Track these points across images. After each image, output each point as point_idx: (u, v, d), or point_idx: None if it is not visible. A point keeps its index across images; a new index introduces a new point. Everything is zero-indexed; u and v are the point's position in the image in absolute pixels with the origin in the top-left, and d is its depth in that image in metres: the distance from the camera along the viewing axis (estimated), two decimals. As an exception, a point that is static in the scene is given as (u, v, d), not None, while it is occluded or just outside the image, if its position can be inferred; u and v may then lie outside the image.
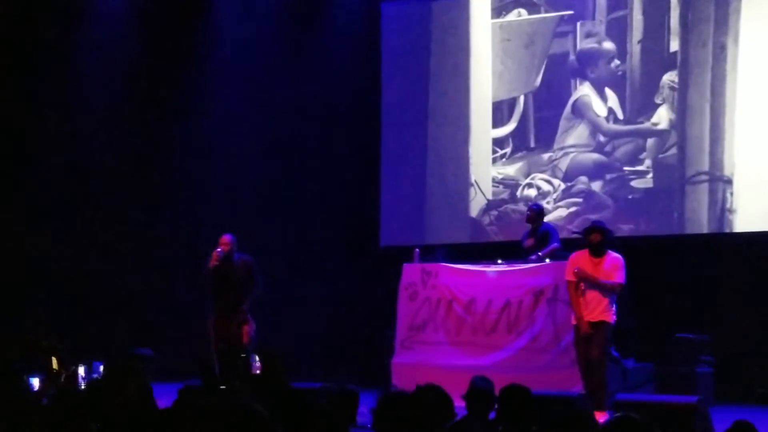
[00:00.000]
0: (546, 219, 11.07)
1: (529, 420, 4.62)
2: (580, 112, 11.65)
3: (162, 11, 13.15)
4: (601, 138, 11.49)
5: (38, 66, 12.89)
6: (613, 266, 8.70)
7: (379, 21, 12.94)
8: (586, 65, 11.65)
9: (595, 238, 8.78)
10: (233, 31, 13.07)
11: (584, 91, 11.63)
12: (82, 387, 7.89)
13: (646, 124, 11.19)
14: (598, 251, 8.74)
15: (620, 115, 11.39)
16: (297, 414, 4.08)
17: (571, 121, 11.68)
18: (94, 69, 12.84)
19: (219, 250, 9.77)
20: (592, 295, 8.68)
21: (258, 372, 7.69)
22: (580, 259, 8.83)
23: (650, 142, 11.17)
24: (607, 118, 11.47)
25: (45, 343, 10.17)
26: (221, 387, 7.50)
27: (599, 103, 11.52)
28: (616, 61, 11.45)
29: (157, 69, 13.07)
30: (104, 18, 12.90)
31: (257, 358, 8.15)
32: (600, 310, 8.62)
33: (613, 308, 8.67)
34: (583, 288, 8.73)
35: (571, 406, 7.64)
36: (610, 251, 8.78)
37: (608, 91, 11.47)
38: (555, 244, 9.97)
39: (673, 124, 11.02)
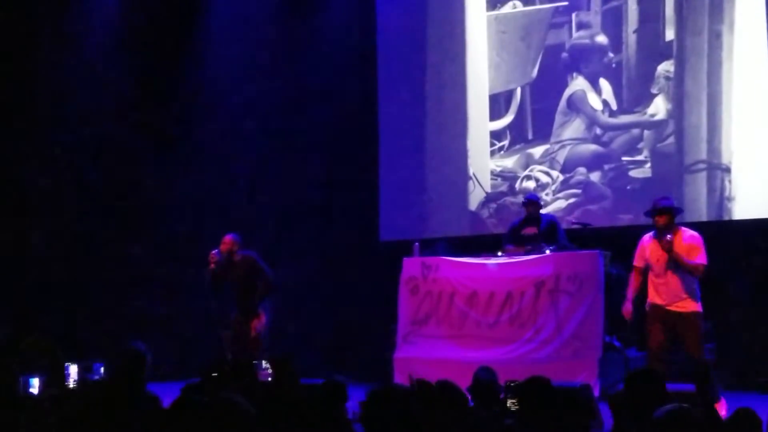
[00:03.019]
0: (546, 210, 11.10)
1: (550, 411, 4.64)
2: (575, 106, 11.65)
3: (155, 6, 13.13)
4: (598, 131, 11.51)
5: (29, 71, 12.80)
6: (690, 246, 8.24)
7: (374, 15, 12.95)
8: (579, 59, 11.66)
9: (660, 221, 8.29)
10: (228, 31, 13.05)
11: (579, 85, 11.64)
12: (71, 386, 7.91)
13: (644, 115, 11.20)
14: (666, 233, 8.26)
15: (615, 106, 11.40)
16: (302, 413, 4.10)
17: (567, 115, 11.69)
18: (85, 69, 12.78)
19: (215, 251, 9.80)
20: (673, 278, 8.26)
21: (269, 379, 7.67)
22: (651, 244, 8.40)
23: (648, 131, 11.18)
24: (602, 111, 11.47)
25: (43, 344, 10.18)
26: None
27: (594, 96, 11.52)
28: (610, 54, 11.46)
29: (151, 67, 13.01)
30: (97, 17, 12.85)
31: (265, 365, 8.14)
32: (685, 297, 8.23)
33: (698, 293, 8.25)
34: (662, 268, 8.27)
35: (573, 397, 7.64)
36: (683, 228, 8.37)
37: (603, 83, 11.48)
38: (563, 243, 9.96)
39: (670, 113, 11.03)
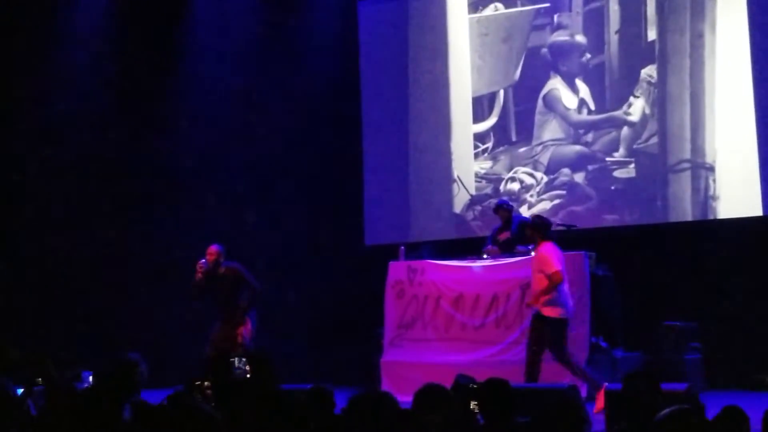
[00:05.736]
0: (530, 212, 11.08)
1: (510, 412, 4.63)
2: (551, 105, 11.67)
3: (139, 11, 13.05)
4: (580, 131, 11.49)
5: (12, 73, 12.70)
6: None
7: (356, 20, 12.94)
8: (558, 58, 11.66)
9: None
10: (211, 33, 13.00)
11: (554, 84, 11.65)
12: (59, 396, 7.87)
13: (627, 114, 11.19)
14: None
15: (593, 106, 11.40)
16: (284, 416, 4.07)
17: (545, 115, 11.70)
18: (71, 71, 12.67)
19: (203, 261, 9.73)
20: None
21: (247, 376, 7.64)
22: None
23: (631, 131, 11.17)
24: (579, 110, 11.48)
25: (32, 356, 10.11)
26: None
27: (569, 95, 11.53)
28: (590, 55, 11.47)
29: (135, 71, 12.92)
30: (81, 22, 12.76)
31: (244, 362, 8.11)
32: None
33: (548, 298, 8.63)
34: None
35: (560, 397, 7.63)
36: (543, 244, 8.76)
37: (585, 84, 11.48)
38: None
39: (653, 113, 11.04)
